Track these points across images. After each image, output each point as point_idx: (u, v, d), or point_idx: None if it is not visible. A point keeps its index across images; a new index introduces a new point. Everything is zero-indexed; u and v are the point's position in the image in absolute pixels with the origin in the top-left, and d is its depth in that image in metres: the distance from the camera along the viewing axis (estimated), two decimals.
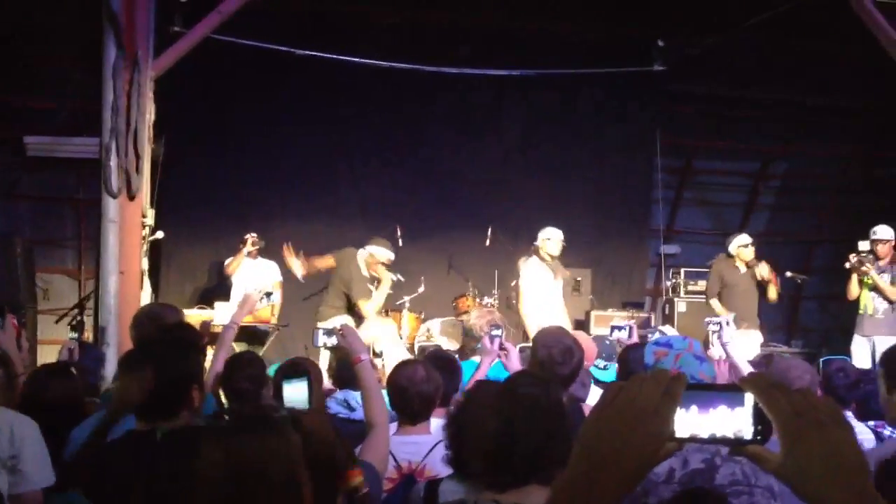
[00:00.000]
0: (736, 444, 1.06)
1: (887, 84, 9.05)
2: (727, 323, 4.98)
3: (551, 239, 8.74)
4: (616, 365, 5.06)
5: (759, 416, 1.05)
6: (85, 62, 7.87)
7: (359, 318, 8.04)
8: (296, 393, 2.55)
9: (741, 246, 9.03)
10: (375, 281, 8.36)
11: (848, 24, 7.75)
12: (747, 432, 1.06)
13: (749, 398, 1.06)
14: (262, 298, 5.25)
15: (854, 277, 8.44)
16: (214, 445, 1.83)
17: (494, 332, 4.74)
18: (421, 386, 3.46)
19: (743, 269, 9.02)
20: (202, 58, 7.16)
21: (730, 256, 9.12)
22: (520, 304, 8.69)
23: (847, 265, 8.42)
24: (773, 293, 9.02)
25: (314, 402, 2.55)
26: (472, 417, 2.40)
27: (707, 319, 5.33)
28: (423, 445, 3.36)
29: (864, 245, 8.45)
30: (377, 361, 6.85)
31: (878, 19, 7.37)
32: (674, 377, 1.06)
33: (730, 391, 1.07)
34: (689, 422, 1.05)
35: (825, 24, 9.15)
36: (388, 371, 4.11)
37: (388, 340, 8.08)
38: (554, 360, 3.82)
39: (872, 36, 7.48)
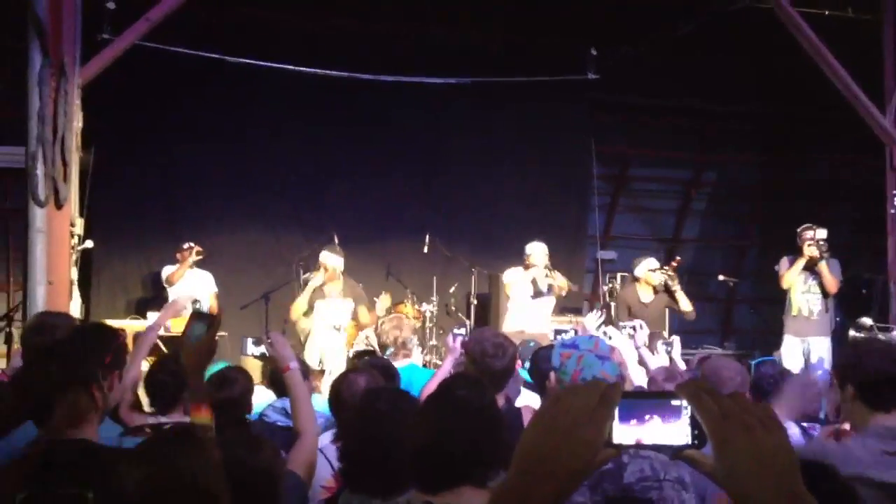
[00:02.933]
0: (674, 450, 1.09)
1: (809, 93, 9.30)
2: (640, 327, 5.36)
3: (533, 253, 8.50)
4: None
5: (695, 422, 1.08)
6: (9, 70, 7.68)
7: None
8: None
9: (650, 270, 8.74)
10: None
11: (775, 34, 7.98)
12: (685, 437, 1.09)
13: (686, 404, 1.09)
14: (194, 302, 5.17)
15: (798, 264, 8.17)
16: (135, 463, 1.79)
17: (457, 331, 4.88)
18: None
19: (650, 295, 8.76)
20: (131, 65, 7.05)
21: (636, 280, 8.89)
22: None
23: (808, 250, 8.08)
24: (685, 305, 8.59)
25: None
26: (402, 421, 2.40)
27: (622, 324, 5.56)
28: None
29: (822, 233, 8.15)
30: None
31: (803, 28, 7.60)
32: (610, 385, 1.09)
33: (666, 398, 1.10)
34: (628, 429, 1.08)
35: (755, 35, 9.41)
36: None
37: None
38: (486, 353, 3.95)
39: (797, 46, 7.70)
